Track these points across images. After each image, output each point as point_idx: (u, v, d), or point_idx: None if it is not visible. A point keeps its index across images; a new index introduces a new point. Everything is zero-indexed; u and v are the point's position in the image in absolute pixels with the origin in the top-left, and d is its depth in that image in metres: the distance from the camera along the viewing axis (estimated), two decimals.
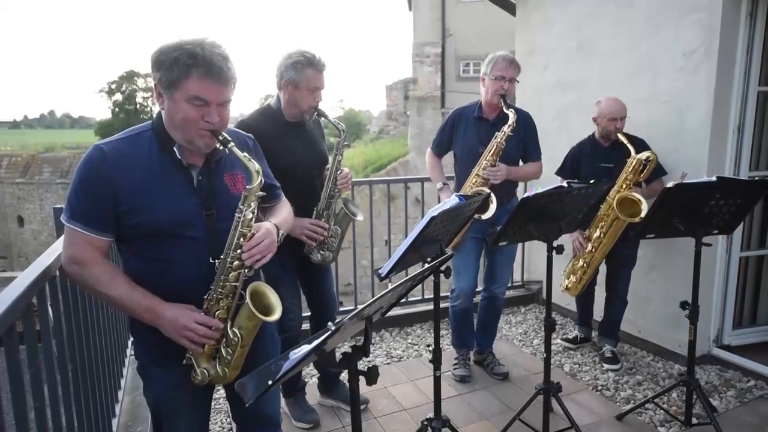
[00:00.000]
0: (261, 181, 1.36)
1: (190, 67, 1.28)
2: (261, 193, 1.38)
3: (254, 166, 1.35)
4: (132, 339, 1.56)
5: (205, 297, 1.39)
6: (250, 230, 1.37)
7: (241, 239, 1.36)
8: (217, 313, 1.40)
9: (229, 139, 1.35)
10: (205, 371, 1.42)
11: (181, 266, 1.39)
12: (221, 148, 1.35)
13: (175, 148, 1.38)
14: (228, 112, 1.38)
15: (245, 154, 1.36)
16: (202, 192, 1.41)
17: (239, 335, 1.39)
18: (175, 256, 1.39)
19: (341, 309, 2.82)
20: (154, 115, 1.46)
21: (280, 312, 1.41)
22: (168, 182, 1.37)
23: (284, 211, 1.66)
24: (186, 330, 1.36)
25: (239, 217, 1.36)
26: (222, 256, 1.37)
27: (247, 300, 1.35)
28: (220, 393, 2.64)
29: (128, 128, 1.43)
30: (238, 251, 1.36)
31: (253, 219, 1.38)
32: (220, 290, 1.38)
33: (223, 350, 1.42)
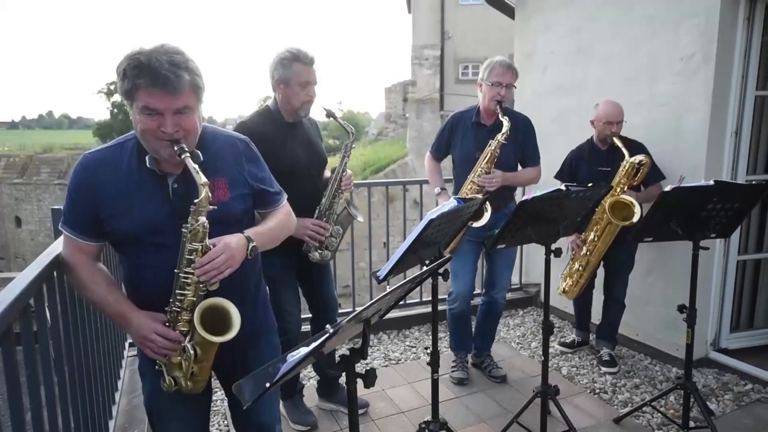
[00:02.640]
0: (207, 195, 1.30)
1: (136, 78, 1.26)
2: (211, 207, 1.32)
3: (201, 179, 1.29)
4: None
5: (167, 309, 1.38)
6: (202, 245, 1.32)
7: (193, 254, 1.32)
8: (178, 325, 1.38)
9: (186, 148, 1.30)
10: (172, 380, 1.42)
11: (153, 273, 1.40)
12: (180, 157, 1.29)
13: (147, 157, 1.37)
14: (191, 118, 1.32)
15: (195, 166, 1.30)
16: (177, 199, 1.38)
17: (194, 351, 1.37)
18: (148, 263, 1.40)
19: (340, 311, 2.82)
20: None
21: (235, 332, 1.33)
22: (142, 190, 1.38)
23: (272, 221, 1.59)
24: (146, 340, 1.37)
25: (185, 232, 1.31)
26: (175, 270, 1.34)
27: (195, 320, 1.31)
28: (217, 395, 2.63)
29: (123, 134, 1.46)
30: (191, 266, 1.32)
31: (206, 233, 1.32)
32: (178, 304, 1.36)
33: (183, 363, 1.40)
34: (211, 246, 1.33)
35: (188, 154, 1.30)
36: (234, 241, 1.38)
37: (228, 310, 1.36)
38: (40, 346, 1.40)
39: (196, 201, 1.30)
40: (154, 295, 1.41)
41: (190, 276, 1.33)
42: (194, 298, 1.35)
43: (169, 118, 1.28)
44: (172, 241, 1.35)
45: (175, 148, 1.29)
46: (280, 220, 1.62)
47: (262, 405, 1.52)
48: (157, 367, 1.44)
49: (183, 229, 1.31)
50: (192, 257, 1.32)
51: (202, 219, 1.31)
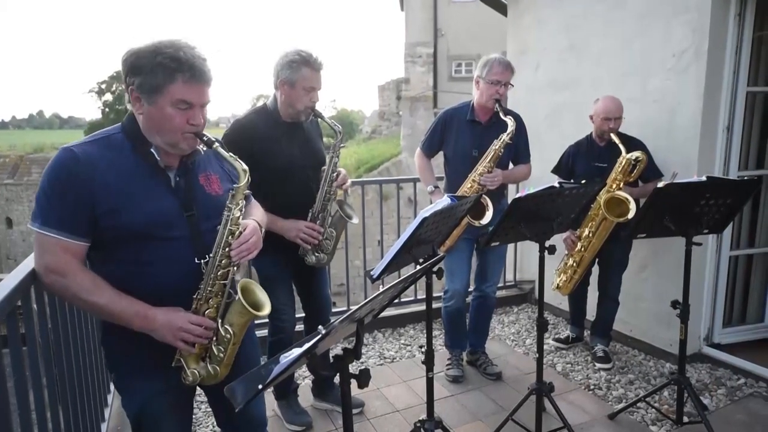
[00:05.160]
0: (248, 179, 1.37)
1: (174, 72, 1.27)
2: (247, 191, 1.39)
3: (241, 165, 1.37)
4: (104, 352, 1.50)
5: (195, 297, 1.38)
6: (238, 228, 1.38)
7: (230, 237, 1.37)
8: (206, 312, 1.39)
9: (213, 139, 1.36)
10: (196, 372, 1.41)
11: (163, 268, 1.37)
12: (205, 149, 1.37)
13: (152, 150, 1.36)
14: (206, 113, 1.38)
15: (231, 154, 1.37)
16: (180, 193, 1.40)
17: (231, 332, 1.40)
18: (158, 258, 1.36)
19: (334, 310, 2.81)
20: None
21: (270, 308, 1.43)
22: (145, 184, 1.35)
23: (259, 210, 1.68)
24: (181, 331, 1.35)
25: (228, 215, 1.36)
26: (211, 255, 1.37)
27: (239, 296, 1.37)
28: (204, 397, 2.61)
29: (95, 132, 1.41)
30: (227, 249, 1.37)
31: (241, 216, 1.39)
32: (209, 289, 1.38)
33: (214, 348, 1.42)
34: (243, 229, 1.40)
35: (218, 144, 1.36)
36: (256, 224, 1.48)
37: (254, 290, 1.44)
38: (28, 348, 1.38)
39: (236, 185, 1.37)
40: (163, 290, 1.36)
41: (225, 259, 1.37)
42: (225, 281, 1.39)
43: (199, 110, 1.34)
44: (181, 233, 1.37)
45: (204, 139, 1.35)
46: (263, 211, 1.72)
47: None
48: (174, 363, 1.41)
49: (225, 213, 1.37)
50: (230, 239, 1.37)
51: (242, 203, 1.39)
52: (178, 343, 1.35)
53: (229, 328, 1.40)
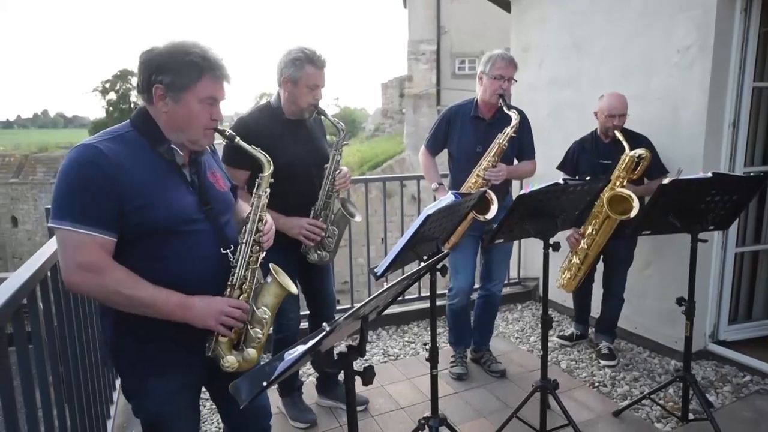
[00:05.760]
0: (272, 168, 1.49)
1: (203, 70, 1.35)
2: (271, 180, 1.50)
3: (264, 156, 1.48)
4: (115, 356, 1.48)
5: (228, 283, 1.44)
6: (266, 214, 1.50)
7: (260, 223, 1.47)
8: (240, 297, 1.44)
9: (233, 133, 1.46)
10: (233, 359, 1.44)
11: (190, 260, 1.40)
12: (228, 142, 1.47)
13: (172, 148, 1.40)
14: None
15: (251, 146, 1.48)
16: (196, 188, 1.45)
17: (268, 313, 1.48)
18: (184, 251, 1.39)
19: (338, 307, 2.81)
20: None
21: (295, 288, 1.54)
22: (167, 180, 1.38)
23: (247, 207, 1.70)
24: (222, 315, 1.38)
25: (258, 202, 1.46)
26: (243, 241, 1.45)
27: (275, 275, 1.47)
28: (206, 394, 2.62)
29: (102, 131, 1.39)
30: (258, 234, 1.47)
31: (266, 204, 1.49)
32: (243, 274, 1.45)
33: (251, 332, 1.46)
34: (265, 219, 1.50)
35: (239, 138, 1.47)
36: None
37: (279, 271, 1.52)
38: (34, 346, 1.38)
39: (261, 174, 1.48)
40: (188, 282, 1.38)
41: (255, 245, 1.47)
42: (256, 266, 1.48)
43: (219, 107, 1.42)
44: (203, 226, 1.42)
45: (226, 134, 1.46)
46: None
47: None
48: (211, 352, 1.42)
49: (254, 199, 1.47)
50: (259, 225, 1.47)
51: (269, 190, 1.50)
52: (219, 327, 1.39)
53: (266, 309, 1.47)
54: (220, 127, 1.43)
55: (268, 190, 1.49)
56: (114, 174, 1.28)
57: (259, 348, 1.48)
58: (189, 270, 1.39)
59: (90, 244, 1.27)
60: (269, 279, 1.48)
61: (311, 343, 1.05)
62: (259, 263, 1.48)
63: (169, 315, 1.34)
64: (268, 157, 1.48)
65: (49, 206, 1.33)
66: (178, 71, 1.33)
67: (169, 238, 1.37)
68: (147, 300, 1.32)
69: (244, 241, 1.45)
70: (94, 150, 1.29)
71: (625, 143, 2.77)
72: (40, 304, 1.50)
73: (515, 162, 2.85)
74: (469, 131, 2.77)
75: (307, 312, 2.64)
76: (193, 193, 1.43)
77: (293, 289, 1.52)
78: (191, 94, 1.35)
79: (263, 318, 1.47)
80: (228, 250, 1.45)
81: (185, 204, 1.39)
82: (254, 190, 1.49)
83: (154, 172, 1.36)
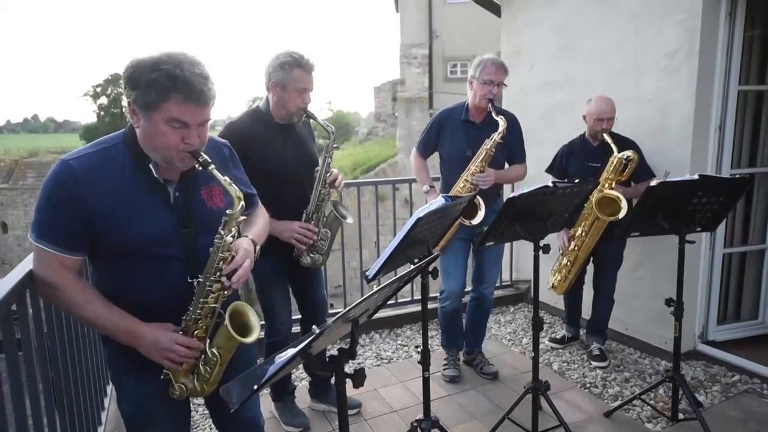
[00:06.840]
0: (242, 206, 1.33)
1: (169, 90, 1.22)
2: (242, 217, 1.37)
3: (235, 191, 1.31)
4: (104, 349, 1.51)
5: (184, 318, 1.37)
6: (229, 254, 1.35)
7: (221, 263, 1.34)
8: (195, 332, 1.38)
9: (209, 160, 1.30)
10: (183, 386, 1.41)
11: (156, 285, 1.36)
12: (200, 169, 1.31)
13: (151, 166, 1.33)
14: (207, 129, 1.34)
15: (226, 177, 1.32)
16: (179, 209, 1.38)
17: (218, 355, 1.38)
18: (151, 275, 1.35)
19: (331, 311, 2.81)
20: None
21: (258, 333, 1.38)
22: (143, 200, 1.33)
23: (260, 221, 1.63)
24: (167, 351, 1.34)
25: (219, 243, 1.33)
26: (201, 279, 1.35)
27: (227, 322, 1.33)
28: (200, 399, 2.61)
29: (98, 139, 1.37)
30: (218, 274, 1.34)
31: (233, 242, 1.36)
32: (198, 311, 1.36)
33: (201, 368, 1.40)
34: (234, 254, 1.36)
35: (213, 166, 1.30)
36: (247, 245, 1.42)
37: (245, 312, 1.39)
38: (24, 353, 1.38)
39: (229, 212, 1.32)
40: (156, 306, 1.36)
41: (215, 284, 1.34)
42: (215, 305, 1.37)
43: (194, 130, 1.28)
44: (175, 251, 1.36)
45: (200, 160, 1.29)
46: (266, 221, 1.67)
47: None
48: (162, 376, 1.41)
49: (216, 240, 1.32)
50: (220, 265, 1.34)
51: (235, 230, 1.35)
52: (163, 361, 1.36)
53: (216, 351, 1.38)
54: (196, 151, 1.29)
55: (234, 230, 1.35)
56: (83, 194, 1.26)
57: (209, 384, 1.42)
58: (152, 296, 1.36)
59: (51, 261, 1.29)
60: (225, 321, 1.34)
61: (302, 345, 1.05)
62: (219, 301, 1.37)
63: (116, 339, 1.35)
64: (240, 194, 1.32)
65: None
66: (144, 89, 1.23)
67: (138, 260, 1.34)
68: (93, 321, 1.34)
69: (201, 279, 1.35)
70: (67, 169, 1.28)
71: (613, 146, 2.81)
72: (30, 310, 1.49)
73: (506, 166, 2.87)
74: (459, 135, 2.79)
75: (299, 316, 2.64)
76: (172, 214, 1.36)
77: (251, 336, 1.36)
78: (157, 114, 1.24)
79: (212, 359, 1.38)
80: (195, 280, 1.36)
81: (159, 226, 1.34)
82: (219, 228, 1.34)
83: (131, 190, 1.31)
